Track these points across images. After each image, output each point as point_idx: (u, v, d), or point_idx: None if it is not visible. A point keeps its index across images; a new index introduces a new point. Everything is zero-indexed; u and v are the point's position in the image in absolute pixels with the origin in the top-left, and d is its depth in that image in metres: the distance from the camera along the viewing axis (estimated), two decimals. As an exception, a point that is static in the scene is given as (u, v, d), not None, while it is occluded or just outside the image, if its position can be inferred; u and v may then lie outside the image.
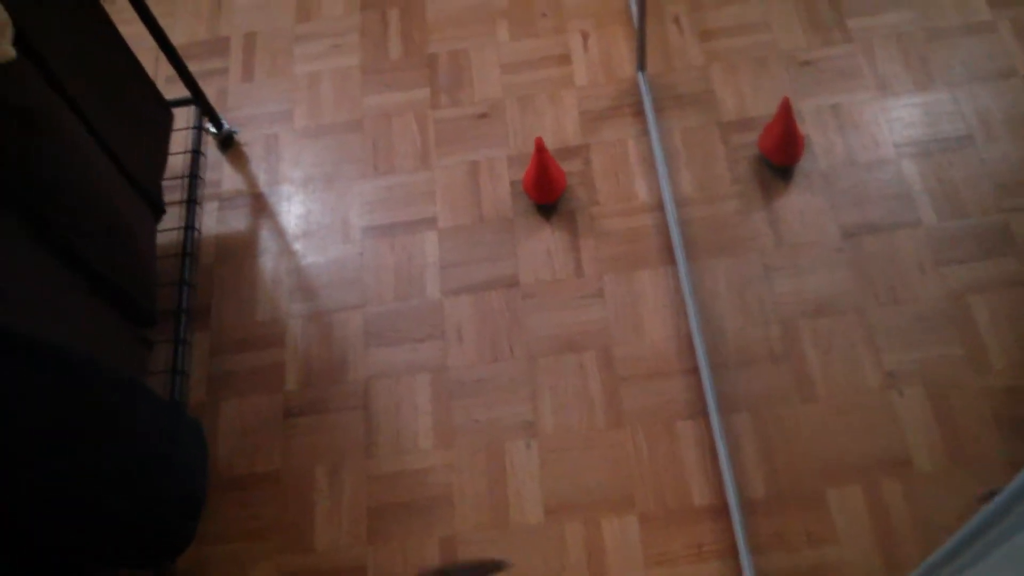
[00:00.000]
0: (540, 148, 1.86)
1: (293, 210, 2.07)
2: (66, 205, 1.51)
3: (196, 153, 2.03)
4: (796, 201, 1.90)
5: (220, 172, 2.14)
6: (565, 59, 2.16)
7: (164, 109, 1.93)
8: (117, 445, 1.33)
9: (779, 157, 1.90)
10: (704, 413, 1.73)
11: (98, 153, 1.63)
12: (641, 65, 2.07)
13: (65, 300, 1.50)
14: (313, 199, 2.07)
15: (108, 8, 1.73)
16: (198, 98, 2.05)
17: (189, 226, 1.94)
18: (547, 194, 1.95)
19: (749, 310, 1.81)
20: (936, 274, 1.79)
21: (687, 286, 1.82)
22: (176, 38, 2.34)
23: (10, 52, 1.29)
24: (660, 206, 1.94)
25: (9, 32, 1.30)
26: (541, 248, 1.94)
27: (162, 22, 2.28)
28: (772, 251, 1.86)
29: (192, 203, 1.97)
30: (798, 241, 1.86)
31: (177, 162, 2.03)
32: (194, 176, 2.01)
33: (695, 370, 1.77)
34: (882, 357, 1.73)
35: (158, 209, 1.84)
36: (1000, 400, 1.68)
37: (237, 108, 2.21)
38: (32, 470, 1.21)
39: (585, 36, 2.18)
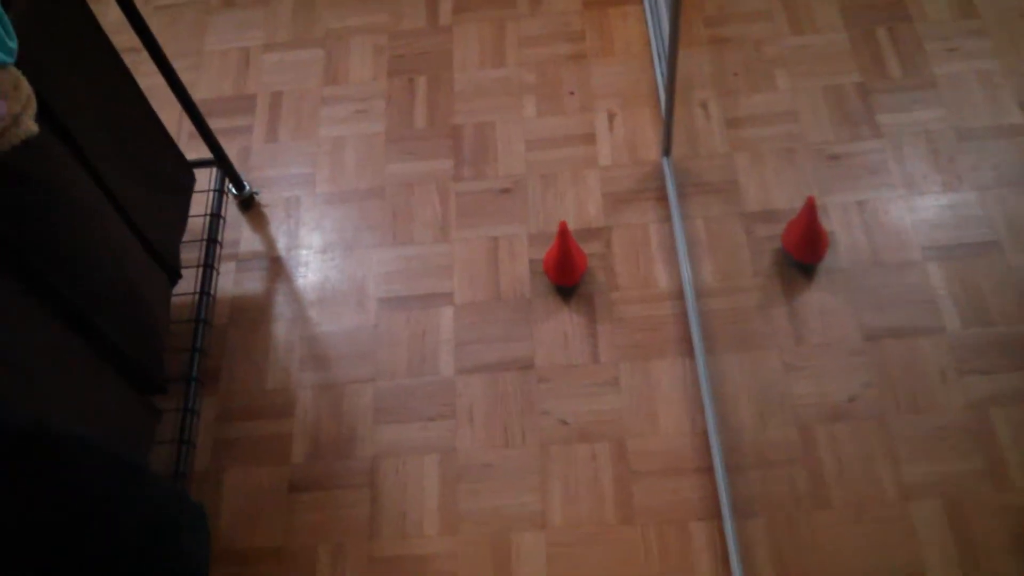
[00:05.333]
0: (563, 231, 1.85)
1: (310, 276, 2.05)
2: (80, 274, 1.49)
3: (216, 217, 2.02)
4: (818, 299, 1.88)
5: (239, 232, 2.13)
6: (590, 138, 2.15)
7: (186, 172, 1.93)
8: (117, 534, 1.31)
9: (802, 255, 1.88)
10: (718, 515, 1.69)
11: (117, 222, 1.62)
12: (666, 150, 2.06)
13: (74, 369, 1.48)
14: (331, 266, 2.06)
15: (133, 59, 1.71)
16: (220, 160, 2.04)
17: (204, 292, 1.93)
18: (567, 277, 1.93)
19: (766, 410, 1.78)
20: (959, 384, 1.76)
21: (704, 380, 1.79)
22: (201, 92, 2.34)
23: (33, 128, 1.28)
24: (680, 295, 1.92)
25: (33, 107, 1.30)
26: (558, 331, 1.92)
27: (188, 76, 2.27)
28: (792, 349, 1.83)
29: (209, 268, 1.96)
30: (818, 341, 1.84)
31: (196, 223, 2.01)
32: (212, 240, 1.99)
33: (710, 468, 1.74)
34: (900, 467, 1.70)
35: (174, 274, 1.83)
36: (1019, 518, 1.64)
37: (260, 168, 2.21)
38: (26, 563, 1.19)
39: (611, 116, 2.17)
